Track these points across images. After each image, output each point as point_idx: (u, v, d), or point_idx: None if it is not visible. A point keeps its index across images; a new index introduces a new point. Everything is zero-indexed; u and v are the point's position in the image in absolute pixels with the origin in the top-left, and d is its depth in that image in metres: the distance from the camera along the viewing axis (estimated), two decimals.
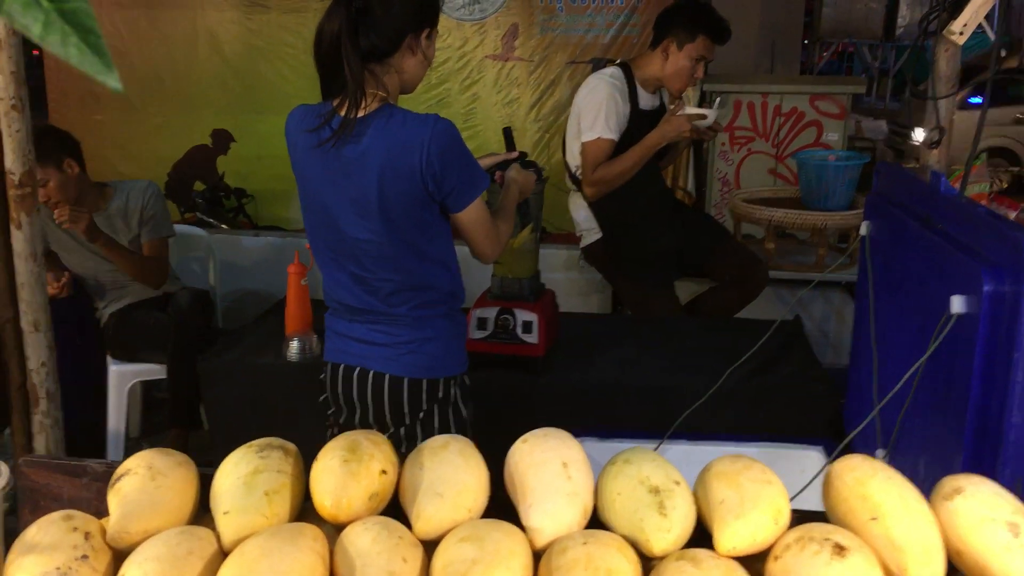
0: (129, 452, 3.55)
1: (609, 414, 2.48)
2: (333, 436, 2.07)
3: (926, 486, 1.77)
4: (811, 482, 1.70)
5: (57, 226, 3.31)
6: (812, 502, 1.99)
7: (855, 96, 5.22)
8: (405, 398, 1.94)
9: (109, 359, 3.41)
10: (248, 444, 1.05)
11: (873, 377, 2.01)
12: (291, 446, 1.09)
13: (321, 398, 2.07)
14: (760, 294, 3.35)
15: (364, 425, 2.00)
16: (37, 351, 2.33)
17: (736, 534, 0.98)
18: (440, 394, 1.97)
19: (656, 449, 2.22)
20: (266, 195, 5.51)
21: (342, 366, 1.99)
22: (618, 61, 3.27)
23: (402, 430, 1.97)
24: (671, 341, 2.84)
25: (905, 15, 11.12)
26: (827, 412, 2.43)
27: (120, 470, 1.04)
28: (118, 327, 3.40)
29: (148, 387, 3.70)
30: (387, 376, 1.94)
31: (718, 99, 3.24)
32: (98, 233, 3.18)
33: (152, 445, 3.45)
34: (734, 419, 2.42)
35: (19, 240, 2.25)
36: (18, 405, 2.36)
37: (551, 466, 1.04)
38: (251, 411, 2.55)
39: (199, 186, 5.55)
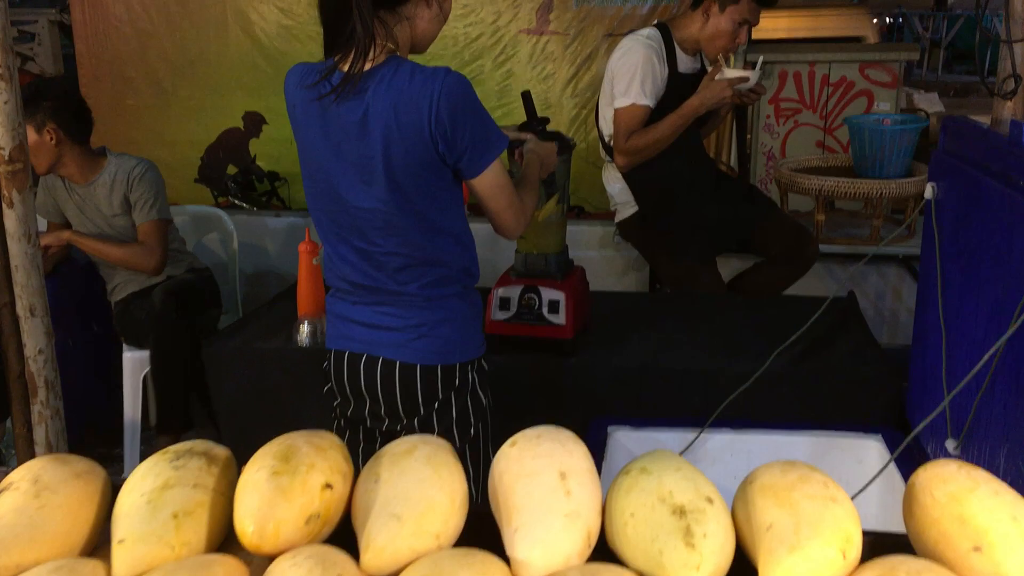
0: (147, 443, 3.48)
1: (644, 401, 2.29)
2: (339, 429, 1.93)
3: (1007, 480, 1.55)
4: (873, 479, 1.50)
5: (64, 191, 3.25)
6: (872, 501, 1.78)
7: (906, 68, 4.95)
8: (419, 387, 1.76)
9: (124, 345, 3.29)
10: (164, 450, 0.85)
11: (942, 359, 1.79)
12: (221, 451, 0.87)
13: (325, 388, 1.89)
14: (809, 270, 3.13)
15: (374, 417, 1.83)
16: (34, 337, 2.20)
17: (790, 572, 0.75)
18: (457, 381, 1.79)
19: (696, 438, 2.04)
20: (299, 178, 5.37)
21: (347, 353, 1.81)
22: (656, 22, 3.06)
23: (416, 421, 1.79)
24: (713, 320, 2.63)
25: None
26: (887, 397, 2.21)
27: (3, 483, 0.84)
28: (124, 313, 3.30)
29: None
30: (397, 364, 1.76)
31: (760, 59, 3.01)
32: (59, 233, 3.17)
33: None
34: (783, 405, 2.22)
35: (11, 219, 2.12)
36: (17, 394, 2.24)
37: (545, 477, 0.81)
38: (260, 401, 2.40)
39: (231, 169, 5.48)
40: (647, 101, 2.90)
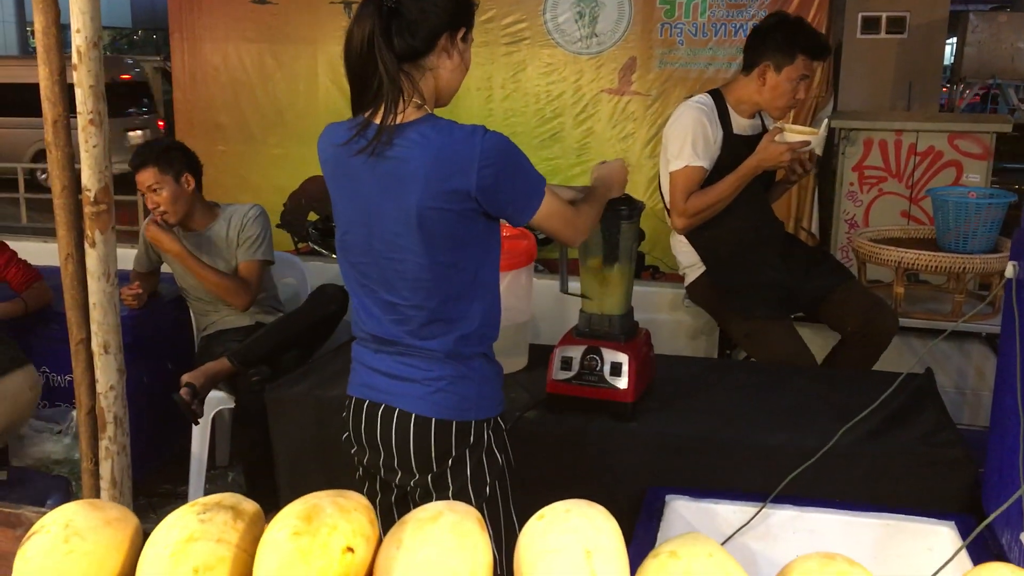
0: (213, 481, 3.53)
1: (705, 471, 2.21)
2: (359, 480, 1.92)
3: None
4: (941, 568, 1.42)
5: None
6: None
7: (998, 138, 4.82)
8: (432, 442, 1.75)
9: None
10: (194, 502, 0.84)
11: (1019, 445, 1.70)
12: (250, 505, 0.87)
13: (344, 436, 1.90)
14: (889, 344, 3.02)
15: (388, 470, 1.82)
16: (107, 374, 2.26)
17: None
18: (472, 438, 1.78)
19: (757, 513, 1.97)
20: None
21: (366, 402, 1.82)
22: (709, 89, 3.06)
23: (430, 478, 1.78)
24: (781, 391, 2.55)
25: None
26: (962, 482, 2.10)
27: (36, 526, 0.85)
28: (204, 351, 3.39)
29: None
30: (413, 416, 1.76)
31: (825, 121, 2.96)
32: (171, 240, 3.28)
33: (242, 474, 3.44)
34: (851, 484, 2.13)
35: (93, 259, 2.19)
36: (86, 429, 2.31)
37: (568, 555, 0.78)
38: (319, 449, 2.40)
39: (312, 216, 5.60)
40: (701, 162, 2.89)
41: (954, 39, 10.67)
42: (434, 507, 0.86)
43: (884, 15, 6.77)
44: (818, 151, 2.92)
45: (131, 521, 0.90)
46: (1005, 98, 11.40)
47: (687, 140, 2.89)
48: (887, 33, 6.76)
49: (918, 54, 6.64)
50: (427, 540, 0.81)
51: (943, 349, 3.27)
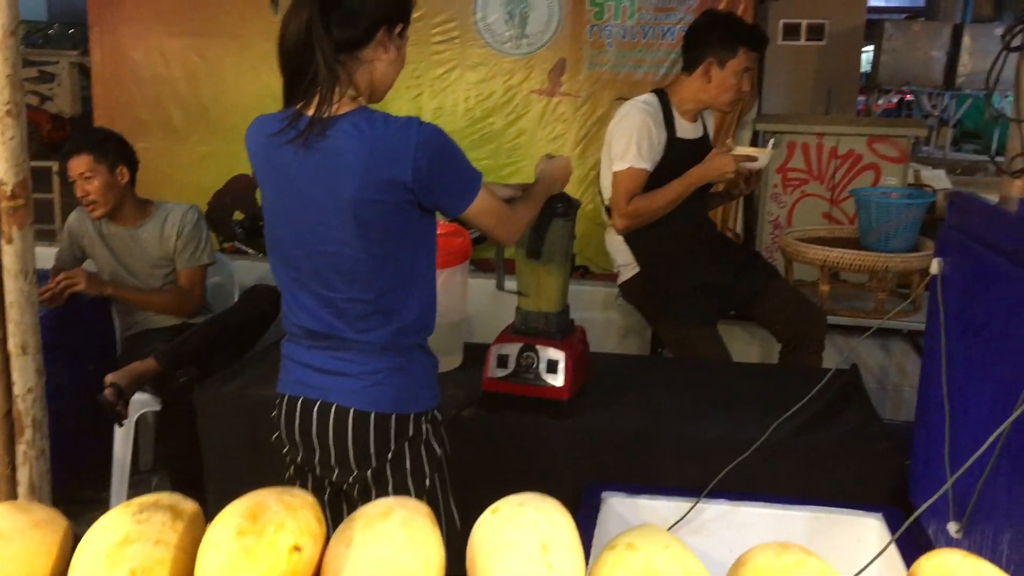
0: (136, 487, 3.42)
1: (640, 467, 2.23)
2: (290, 479, 1.89)
3: (1010, 568, 1.50)
4: (872, 562, 1.45)
5: (97, 236, 3.35)
6: None
7: (913, 144, 4.98)
8: (371, 436, 1.73)
9: None
10: (128, 501, 0.80)
11: (945, 438, 1.75)
12: (188, 506, 0.83)
13: (274, 436, 1.86)
14: (823, 342, 3.08)
15: (324, 467, 1.79)
16: (24, 375, 2.17)
17: None
18: (411, 431, 1.77)
19: (692, 508, 1.99)
20: None
21: (300, 399, 1.79)
22: (653, 88, 3.09)
23: (369, 473, 1.76)
24: (713, 387, 2.59)
25: (967, 63, 10.83)
26: (889, 474, 2.16)
27: None
28: (129, 351, 3.30)
29: None
30: (351, 411, 1.73)
31: (772, 140, 3.02)
32: (102, 285, 3.25)
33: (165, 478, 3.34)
34: (781, 478, 2.17)
35: (9, 255, 2.10)
36: (2, 433, 2.21)
37: (524, 549, 0.77)
38: (250, 450, 2.34)
39: (238, 215, 5.49)
40: (644, 164, 2.92)
41: (871, 47, 11.01)
42: (384, 503, 0.84)
43: (804, 22, 6.94)
44: (763, 167, 2.99)
45: (60, 523, 0.86)
46: (919, 105, 11.79)
47: (632, 141, 2.90)
48: (807, 40, 6.95)
49: (836, 61, 6.83)
50: (377, 537, 0.79)
51: (866, 345, 3.36)
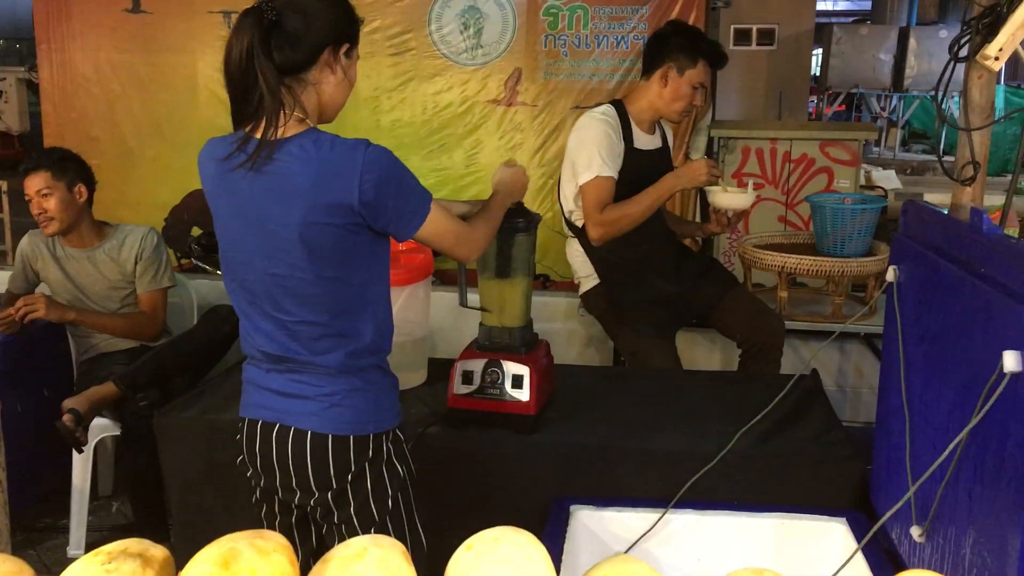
0: (96, 513, 3.36)
1: (607, 479, 2.24)
2: (256, 503, 1.88)
3: (972, 571, 1.53)
4: (839, 570, 1.47)
5: (52, 259, 3.30)
6: None
7: (864, 146, 5.08)
8: (330, 458, 1.73)
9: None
10: (97, 550, 0.79)
11: (906, 443, 1.78)
12: (158, 552, 0.81)
13: (238, 459, 1.85)
14: (781, 348, 3.11)
15: (286, 490, 1.78)
16: None
17: None
18: (371, 452, 1.76)
19: (660, 520, 2.00)
20: None
21: (260, 423, 1.78)
22: (611, 100, 3.12)
23: (330, 495, 1.75)
24: (678, 398, 2.61)
25: (913, 65, 11.08)
26: (851, 479, 2.19)
27: None
28: (86, 376, 3.24)
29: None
30: (309, 433, 1.73)
31: (751, 184, 3.09)
32: (64, 310, 3.19)
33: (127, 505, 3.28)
34: (747, 485, 2.19)
35: None
36: None
37: None
38: (212, 475, 2.32)
39: (196, 232, 5.42)
40: (610, 172, 2.93)
41: (820, 50, 11.19)
42: (358, 543, 0.83)
43: (755, 27, 7.05)
44: (747, 208, 3.08)
45: (27, 574, 0.83)
46: (868, 106, 12.01)
47: (595, 151, 2.92)
48: (758, 45, 7.05)
49: (787, 65, 6.93)
50: None
51: (824, 349, 3.41)
